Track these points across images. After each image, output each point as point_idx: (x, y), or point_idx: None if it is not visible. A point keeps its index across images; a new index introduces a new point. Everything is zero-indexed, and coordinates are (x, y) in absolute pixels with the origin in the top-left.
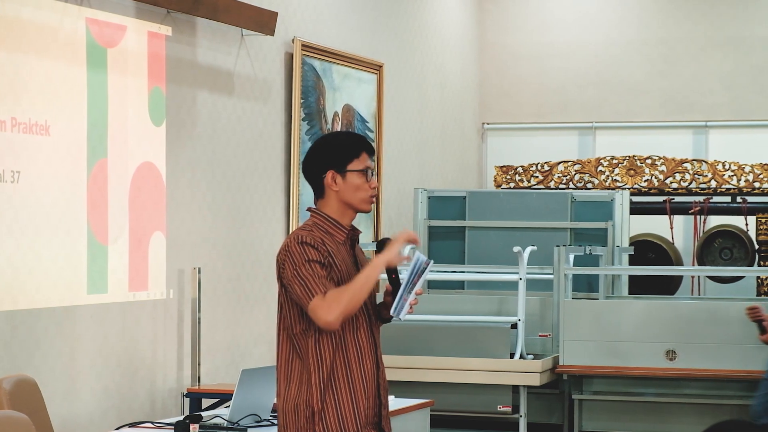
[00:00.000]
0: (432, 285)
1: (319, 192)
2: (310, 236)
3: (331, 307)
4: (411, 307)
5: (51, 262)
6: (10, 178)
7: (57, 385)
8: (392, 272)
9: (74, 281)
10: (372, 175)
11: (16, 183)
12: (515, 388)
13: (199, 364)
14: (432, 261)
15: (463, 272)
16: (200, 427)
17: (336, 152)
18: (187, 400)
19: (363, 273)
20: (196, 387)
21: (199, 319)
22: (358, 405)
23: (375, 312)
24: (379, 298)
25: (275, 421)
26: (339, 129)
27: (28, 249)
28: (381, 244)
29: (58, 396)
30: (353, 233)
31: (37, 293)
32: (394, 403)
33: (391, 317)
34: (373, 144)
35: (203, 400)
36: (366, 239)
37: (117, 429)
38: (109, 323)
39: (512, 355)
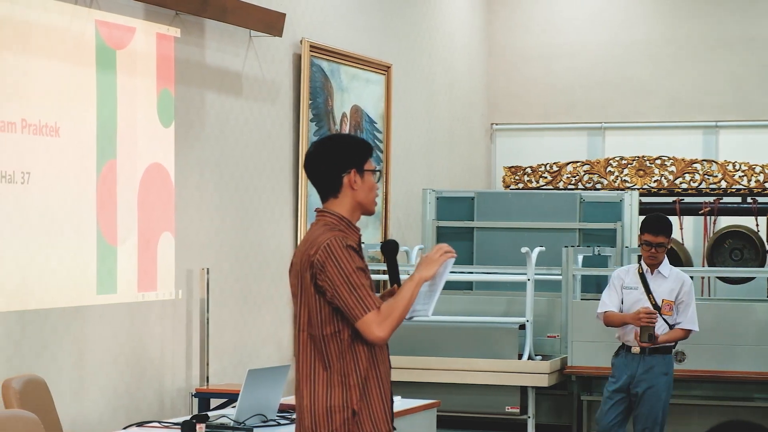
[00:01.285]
0: None
1: (333, 191)
2: (349, 240)
3: (385, 323)
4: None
5: (60, 263)
6: (20, 179)
7: (66, 384)
8: (395, 272)
9: (83, 282)
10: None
11: (26, 184)
12: (523, 389)
13: (207, 364)
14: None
15: (472, 273)
16: (207, 427)
17: (355, 151)
18: (195, 400)
19: (407, 290)
20: (205, 387)
21: (208, 319)
22: (386, 404)
23: None
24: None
25: (282, 422)
26: (347, 130)
27: (38, 249)
28: (387, 247)
29: (68, 396)
30: (358, 238)
31: (47, 294)
32: (400, 403)
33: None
34: (381, 145)
35: (212, 400)
36: (374, 240)
37: (125, 428)
38: (118, 323)
39: (520, 356)
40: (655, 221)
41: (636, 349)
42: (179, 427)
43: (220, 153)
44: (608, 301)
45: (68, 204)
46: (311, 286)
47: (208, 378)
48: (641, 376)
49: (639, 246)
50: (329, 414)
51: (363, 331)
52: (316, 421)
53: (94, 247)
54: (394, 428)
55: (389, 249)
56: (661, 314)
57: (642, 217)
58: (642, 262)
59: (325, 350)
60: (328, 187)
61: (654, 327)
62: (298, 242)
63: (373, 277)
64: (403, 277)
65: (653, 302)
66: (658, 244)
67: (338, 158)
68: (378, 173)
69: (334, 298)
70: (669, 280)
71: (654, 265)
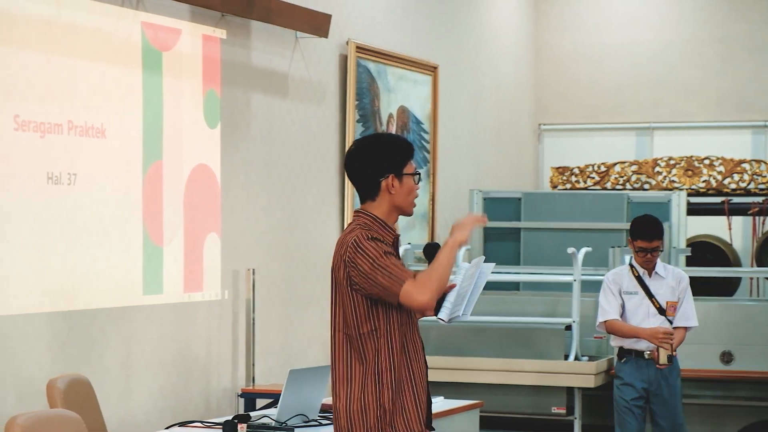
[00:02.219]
0: (487, 286)
1: (371, 194)
2: (374, 233)
3: (425, 286)
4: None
5: (107, 264)
6: (66, 180)
7: (113, 385)
8: None
9: (130, 282)
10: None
11: (73, 185)
12: (570, 390)
13: (253, 365)
14: (492, 264)
15: (518, 273)
16: (248, 427)
17: (395, 155)
18: (241, 401)
19: (444, 255)
20: (251, 387)
21: (254, 319)
22: (419, 404)
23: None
24: None
25: (323, 422)
26: (394, 131)
27: (85, 250)
28: (429, 249)
29: (114, 396)
30: (394, 238)
31: (93, 294)
32: (442, 404)
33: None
34: (428, 145)
35: (257, 400)
36: (421, 240)
37: (167, 428)
38: (164, 324)
39: (567, 357)
40: (647, 227)
41: (648, 354)
42: (221, 426)
43: (266, 154)
44: (609, 309)
45: (114, 205)
46: (346, 285)
47: (254, 378)
48: (660, 380)
49: (634, 252)
50: (364, 411)
51: (406, 302)
52: (352, 419)
53: (140, 248)
54: (433, 428)
55: (431, 252)
56: (666, 316)
57: (691, 218)
58: (635, 264)
59: (362, 348)
60: (366, 190)
61: (672, 347)
62: None
63: None
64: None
65: (657, 306)
66: (653, 248)
67: (377, 162)
68: (418, 176)
69: (372, 289)
70: (667, 279)
71: (650, 268)
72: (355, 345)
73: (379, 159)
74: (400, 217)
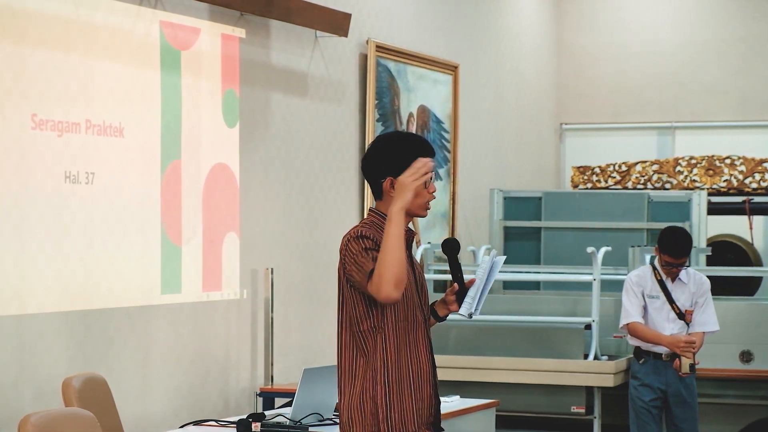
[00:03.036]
0: (507, 285)
1: (378, 194)
2: (366, 230)
3: (382, 279)
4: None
5: (125, 263)
6: (84, 179)
7: (130, 384)
8: (457, 271)
9: (148, 281)
10: (431, 180)
11: (91, 184)
12: (589, 389)
13: (272, 364)
14: (504, 257)
15: (538, 272)
16: (262, 426)
17: (393, 159)
18: (260, 400)
19: (387, 232)
20: (269, 386)
21: (272, 319)
22: (417, 403)
23: (429, 310)
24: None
25: (338, 420)
26: (414, 130)
27: (102, 249)
28: (448, 245)
29: (132, 395)
30: (408, 235)
31: (111, 293)
32: (458, 402)
33: (441, 318)
34: (448, 145)
35: (276, 399)
36: (441, 240)
37: (182, 426)
38: (182, 323)
39: (586, 356)
40: (677, 245)
41: (666, 356)
42: (235, 425)
43: (285, 153)
44: (632, 311)
45: (132, 204)
46: (345, 282)
47: (272, 377)
48: (678, 382)
49: (659, 260)
50: (361, 408)
51: (376, 296)
52: (351, 416)
53: (158, 247)
54: (442, 429)
55: (450, 247)
56: (685, 321)
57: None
58: (658, 267)
59: (364, 345)
60: (372, 189)
61: (694, 355)
62: None
63: (437, 276)
64: (467, 277)
65: (677, 311)
66: (680, 264)
67: (379, 164)
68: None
69: (354, 285)
70: (689, 285)
71: (673, 275)
72: (358, 342)
73: (381, 161)
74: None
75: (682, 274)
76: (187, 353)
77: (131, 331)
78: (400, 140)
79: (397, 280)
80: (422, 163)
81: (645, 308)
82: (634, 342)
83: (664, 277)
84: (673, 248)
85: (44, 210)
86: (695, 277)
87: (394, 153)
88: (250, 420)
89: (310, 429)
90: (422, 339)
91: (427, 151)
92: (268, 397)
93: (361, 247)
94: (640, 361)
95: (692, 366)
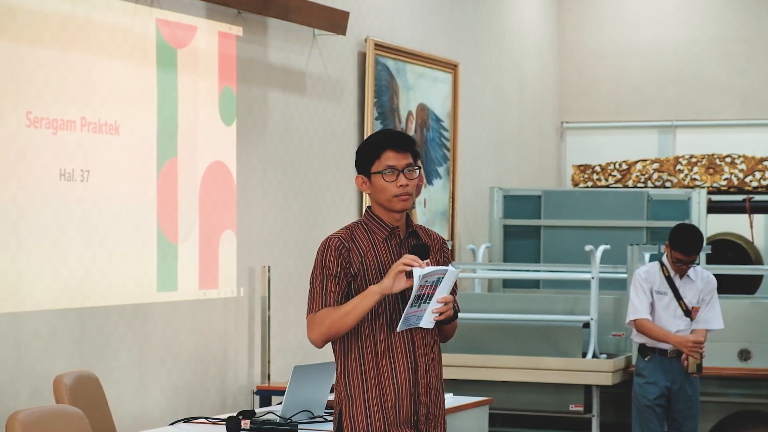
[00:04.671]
0: (507, 284)
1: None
2: (340, 239)
3: (314, 327)
4: (441, 315)
5: (121, 261)
6: (80, 177)
7: (127, 382)
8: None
9: (144, 279)
10: (401, 172)
11: (86, 182)
12: (588, 388)
13: (269, 362)
14: (452, 269)
15: (537, 271)
16: (251, 423)
17: (360, 157)
18: (257, 398)
19: (352, 301)
20: (266, 384)
21: (269, 317)
22: (386, 404)
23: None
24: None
25: (329, 418)
26: (413, 128)
27: (99, 247)
28: (417, 250)
29: (129, 393)
30: (407, 231)
31: (108, 291)
32: (451, 400)
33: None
34: (448, 143)
35: (273, 397)
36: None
37: (171, 424)
38: (179, 321)
39: (585, 355)
40: (689, 243)
41: (671, 353)
42: (225, 422)
43: (283, 151)
44: (640, 307)
45: (128, 202)
46: None
47: (269, 375)
48: (683, 378)
49: (669, 256)
50: (337, 403)
51: (306, 328)
52: (334, 412)
53: (154, 245)
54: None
55: (419, 252)
56: (691, 318)
57: (712, 216)
58: (667, 264)
59: (344, 345)
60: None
61: (702, 356)
62: None
63: None
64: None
65: (684, 308)
66: (690, 261)
67: (355, 162)
68: (391, 170)
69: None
70: (697, 282)
71: (682, 272)
72: (340, 341)
73: (356, 159)
74: (420, 213)
75: (691, 271)
76: (183, 351)
77: (128, 329)
78: (370, 137)
79: (326, 339)
80: (404, 263)
81: (652, 305)
82: (639, 339)
83: (672, 273)
84: (685, 245)
85: (40, 208)
86: (703, 274)
87: (361, 150)
88: (240, 417)
89: (300, 426)
90: (399, 338)
91: (396, 143)
92: (265, 395)
93: (320, 267)
94: (646, 359)
95: (699, 366)
